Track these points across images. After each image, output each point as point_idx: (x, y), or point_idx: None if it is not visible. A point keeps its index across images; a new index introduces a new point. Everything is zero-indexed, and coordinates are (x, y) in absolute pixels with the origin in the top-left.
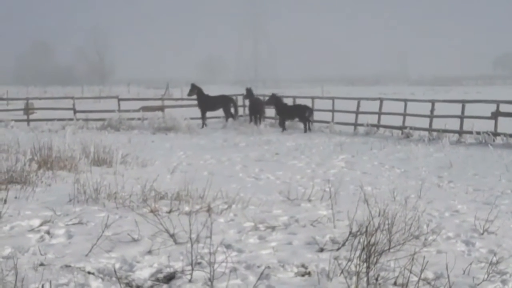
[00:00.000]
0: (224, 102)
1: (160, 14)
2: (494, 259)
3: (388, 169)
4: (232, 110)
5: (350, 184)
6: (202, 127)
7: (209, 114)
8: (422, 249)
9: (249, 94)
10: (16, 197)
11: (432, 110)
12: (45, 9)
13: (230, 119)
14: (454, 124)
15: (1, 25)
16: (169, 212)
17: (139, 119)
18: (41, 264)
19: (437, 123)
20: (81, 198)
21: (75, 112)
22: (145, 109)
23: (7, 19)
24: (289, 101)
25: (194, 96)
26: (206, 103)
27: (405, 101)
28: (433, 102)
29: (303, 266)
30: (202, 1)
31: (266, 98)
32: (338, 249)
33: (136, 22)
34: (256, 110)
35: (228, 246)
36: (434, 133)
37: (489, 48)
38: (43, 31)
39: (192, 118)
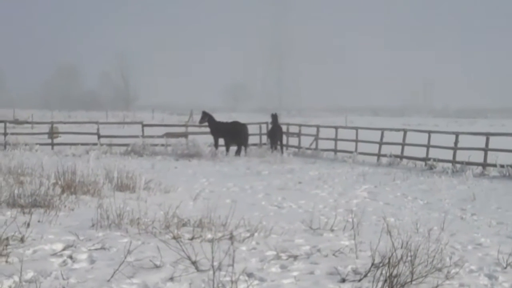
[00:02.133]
0: (236, 129)
1: (185, 41)
2: None
3: (411, 201)
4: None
5: (372, 214)
6: (216, 153)
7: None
8: (445, 282)
9: (273, 120)
10: (39, 221)
11: (456, 142)
12: (72, 33)
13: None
14: (478, 157)
15: (29, 49)
16: (192, 239)
17: (162, 145)
18: None
19: (461, 155)
20: (104, 223)
21: (99, 137)
22: (169, 135)
23: (35, 43)
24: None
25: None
26: (218, 129)
27: (429, 132)
28: (457, 134)
29: None
30: (228, 28)
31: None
32: (360, 280)
33: (161, 48)
34: (276, 137)
35: (250, 275)
36: (458, 165)
37: None
38: (69, 56)
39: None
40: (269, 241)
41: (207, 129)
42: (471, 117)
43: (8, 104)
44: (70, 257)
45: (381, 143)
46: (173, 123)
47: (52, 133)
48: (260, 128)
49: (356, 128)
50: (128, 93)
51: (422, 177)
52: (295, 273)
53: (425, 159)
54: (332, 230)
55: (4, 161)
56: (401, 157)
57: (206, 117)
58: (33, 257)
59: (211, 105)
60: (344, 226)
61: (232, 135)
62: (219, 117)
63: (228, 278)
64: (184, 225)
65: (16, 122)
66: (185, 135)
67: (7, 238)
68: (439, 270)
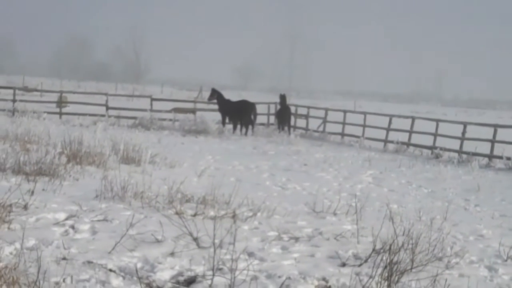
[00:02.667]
0: (244, 108)
1: (199, 17)
2: None
3: (415, 188)
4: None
5: (376, 200)
6: (223, 130)
7: None
8: (445, 271)
9: (282, 101)
10: (43, 189)
11: (463, 132)
12: (85, 4)
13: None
14: (485, 148)
15: (40, 18)
16: (194, 215)
17: (170, 120)
18: (64, 258)
19: (468, 146)
20: (107, 195)
21: (108, 108)
22: (177, 110)
23: (47, 12)
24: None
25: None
26: (227, 107)
27: (437, 121)
28: (465, 124)
29: (324, 279)
30: (242, 7)
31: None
32: (360, 265)
33: (174, 24)
34: (284, 118)
35: (251, 254)
36: (464, 156)
37: None
38: (81, 27)
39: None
40: (271, 221)
41: (215, 106)
42: (480, 108)
43: (18, 71)
44: (72, 227)
45: (388, 129)
46: (182, 98)
47: (60, 102)
48: (269, 108)
49: (365, 113)
50: (139, 67)
51: (427, 165)
52: (295, 255)
53: (431, 148)
54: (335, 214)
55: (12, 128)
56: (408, 144)
57: (215, 94)
58: (36, 225)
59: (221, 82)
60: (347, 210)
61: (240, 113)
62: (229, 95)
63: (228, 256)
64: (187, 201)
65: (25, 89)
66: (193, 111)
67: (10, 205)
68: (440, 259)
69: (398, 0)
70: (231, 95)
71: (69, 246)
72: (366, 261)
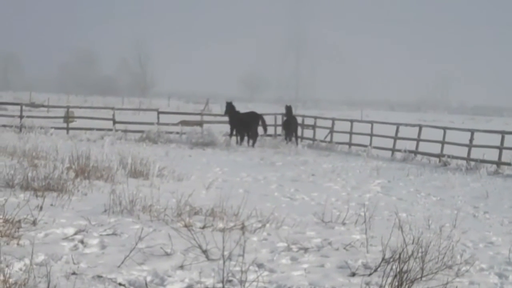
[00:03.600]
0: (252, 119)
1: (204, 29)
2: None
3: (424, 197)
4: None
5: (385, 209)
6: (230, 142)
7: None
8: (455, 279)
9: (288, 111)
10: (52, 205)
11: (471, 140)
12: (91, 18)
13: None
14: (493, 155)
15: (46, 33)
16: (203, 227)
17: (177, 133)
18: (74, 273)
19: (476, 153)
20: (116, 209)
21: (115, 122)
22: (184, 123)
23: (53, 28)
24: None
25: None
26: (235, 119)
27: (444, 129)
28: (472, 131)
29: None
30: (247, 18)
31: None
32: (370, 274)
33: (179, 37)
34: (290, 129)
35: (260, 266)
36: (472, 163)
37: None
38: (87, 41)
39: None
40: (280, 232)
41: (222, 119)
42: (487, 115)
43: (24, 87)
44: (82, 241)
45: (396, 138)
46: (188, 111)
47: (67, 117)
48: (275, 119)
49: (371, 122)
50: (145, 80)
51: (436, 173)
52: (305, 266)
53: (439, 156)
54: (343, 224)
55: (19, 144)
56: (416, 152)
57: (229, 107)
58: (45, 240)
59: (228, 94)
60: (356, 220)
61: (247, 125)
62: (236, 106)
63: (238, 268)
64: (196, 213)
65: (32, 105)
66: (200, 123)
67: (19, 221)
68: (450, 267)
69: (403, 8)
70: (238, 107)
71: (78, 261)
72: (376, 270)
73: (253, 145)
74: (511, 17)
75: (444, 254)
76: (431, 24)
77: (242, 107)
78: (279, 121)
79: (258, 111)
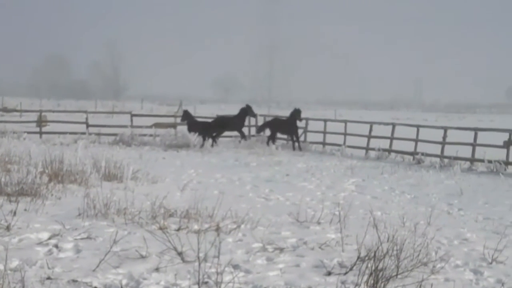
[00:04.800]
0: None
1: (176, 31)
2: None
3: (398, 195)
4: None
5: (359, 208)
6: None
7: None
8: (430, 276)
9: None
10: (25, 210)
11: (444, 137)
12: (61, 22)
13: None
14: (466, 152)
15: (17, 37)
16: (178, 230)
17: (151, 135)
18: (48, 278)
19: (449, 150)
20: (90, 213)
21: (88, 126)
22: (158, 125)
23: (24, 31)
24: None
25: (204, 115)
26: (199, 124)
27: (418, 127)
28: (445, 128)
29: None
30: (219, 19)
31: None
32: (346, 273)
33: (151, 39)
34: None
35: (236, 266)
36: (446, 160)
37: (503, 77)
38: (59, 45)
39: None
40: (255, 233)
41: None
42: (460, 112)
43: None
44: (56, 246)
45: (369, 137)
46: (162, 113)
47: (40, 122)
48: (249, 120)
49: (345, 121)
50: (117, 83)
51: (410, 171)
52: (281, 266)
53: (413, 153)
54: (319, 223)
55: None
56: (389, 151)
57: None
58: (19, 245)
59: (202, 96)
60: (331, 219)
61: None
62: (209, 108)
63: (213, 270)
64: (170, 215)
65: (4, 110)
66: (174, 125)
67: None
68: (425, 264)
69: (375, 6)
70: (212, 108)
71: (53, 265)
72: (351, 269)
73: (212, 145)
74: (482, 15)
75: (419, 251)
76: (404, 23)
77: (215, 109)
78: (252, 122)
79: (232, 112)
